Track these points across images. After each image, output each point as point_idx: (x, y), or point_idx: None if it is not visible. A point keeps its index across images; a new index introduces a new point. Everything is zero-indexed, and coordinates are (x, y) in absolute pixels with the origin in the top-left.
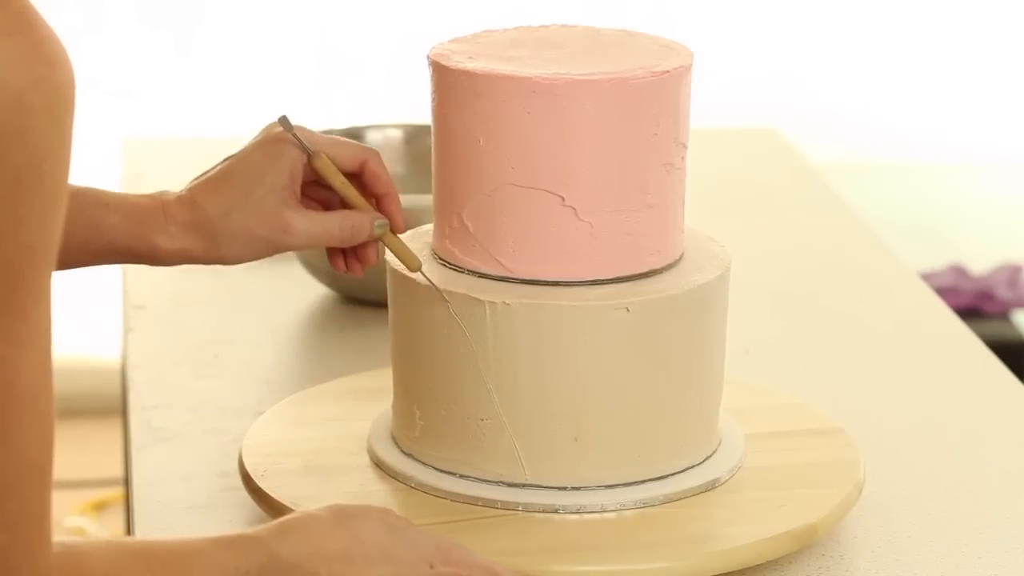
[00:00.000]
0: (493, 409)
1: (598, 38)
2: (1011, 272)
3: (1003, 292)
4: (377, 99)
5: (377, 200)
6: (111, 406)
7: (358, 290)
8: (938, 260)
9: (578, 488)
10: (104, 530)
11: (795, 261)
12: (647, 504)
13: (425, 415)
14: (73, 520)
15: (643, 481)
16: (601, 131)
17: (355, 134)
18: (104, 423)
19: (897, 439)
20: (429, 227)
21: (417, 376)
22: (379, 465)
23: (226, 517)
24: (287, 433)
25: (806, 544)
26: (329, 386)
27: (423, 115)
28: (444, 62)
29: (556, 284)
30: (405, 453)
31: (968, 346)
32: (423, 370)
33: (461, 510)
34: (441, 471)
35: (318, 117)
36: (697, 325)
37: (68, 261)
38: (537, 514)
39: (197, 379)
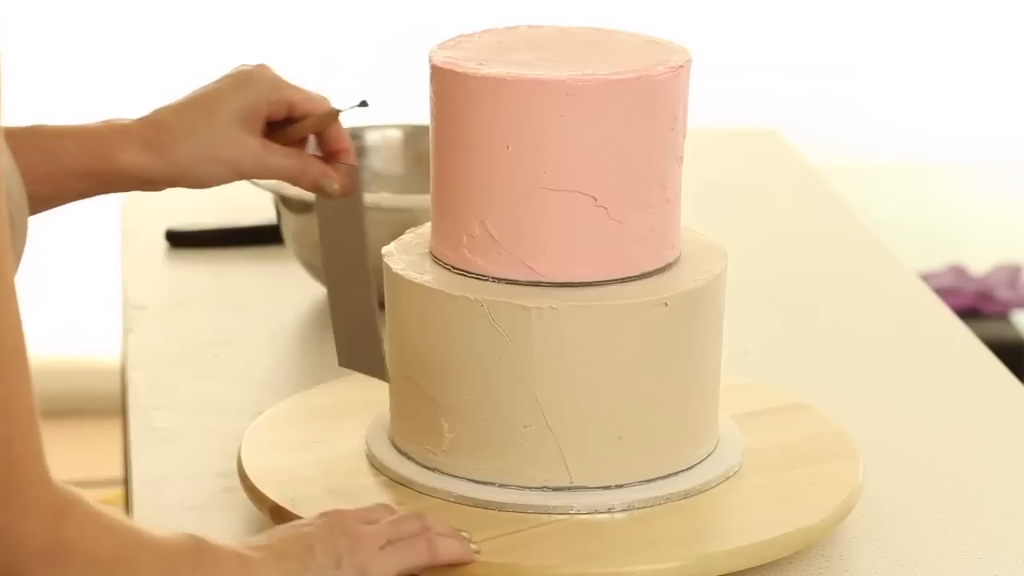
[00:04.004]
0: (538, 415)
1: (579, 37)
2: (1011, 272)
3: (1003, 292)
4: (377, 99)
5: (334, 154)
6: (111, 406)
7: None
8: (938, 260)
9: (622, 486)
10: None
11: (794, 261)
12: (689, 495)
13: (456, 428)
14: None
15: (671, 475)
16: (631, 129)
17: (355, 134)
18: (104, 423)
19: (897, 439)
20: (427, 227)
21: (447, 389)
22: (403, 483)
23: (226, 517)
24: (290, 457)
25: (806, 545)
26: (329, 387)
27: (423, 115)
28: (458, 69)
29: (588, 285)
30: (427, 467)
31: (968, 346)
32: (456, 382)
33: (513, 520)
34: (477, 482)
35: None
36: (714, 315)
37: (34, 202)
38: (593, 515)
39: (197, 379)
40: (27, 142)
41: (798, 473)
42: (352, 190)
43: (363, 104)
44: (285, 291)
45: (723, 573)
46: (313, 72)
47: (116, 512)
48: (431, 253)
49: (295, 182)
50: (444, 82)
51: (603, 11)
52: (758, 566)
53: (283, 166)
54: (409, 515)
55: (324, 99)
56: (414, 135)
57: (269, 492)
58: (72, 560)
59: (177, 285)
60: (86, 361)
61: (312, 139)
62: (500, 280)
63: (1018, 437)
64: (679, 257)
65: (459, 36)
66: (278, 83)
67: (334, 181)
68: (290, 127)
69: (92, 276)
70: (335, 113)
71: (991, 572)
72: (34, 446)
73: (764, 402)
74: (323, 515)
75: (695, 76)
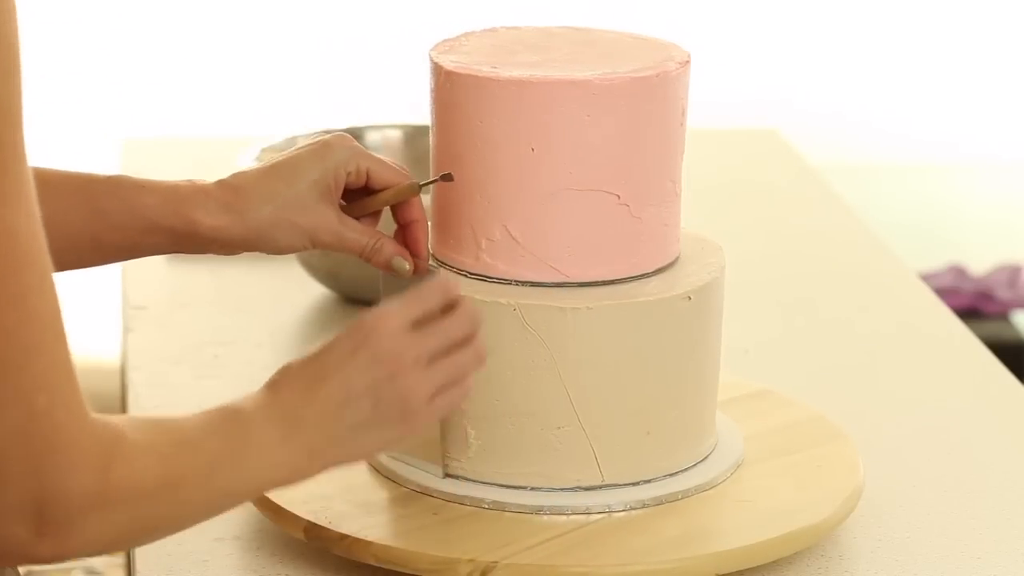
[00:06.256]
0: (571, 415)
1: (567, 37)
2: (1011, 272)
3: (1003, 292)
4: (377, 99)
5: (406, 226)
6: (111, 406)
7: (358, 290)
8: (938, 260)
9: (650, 481)
10: None
11: (795, 262)
12: (710, 487)
13: (483, 434)
14: None
15: (690, 467)
16: (649, 126)
17: (355, 134)
18: None
19: (897, 440)
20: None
21: (476, 395)
22: (428, 493)
23: (226, 518)
24: None
25: (807, 545)
26: None
27: (422, 115)
28: (477, 73)
29: (611, 283)
30: (450, 476)
31: (968, 346)
32: (486, 388)
33: (554, 523)
34: (507, 487)
35: (318, 117)
36: (720, 307)
37: (105, 249)
38: (630, 512)
39: (197, 379)
40: (109, 190)
41: (800, 457)
42: (425, 273)
43: (446, 178)
44: (285, 291)
45: (723, 573)
46: (312, 73)
47: (167, 426)
48: (434, 256)
49: (367, 259)
50: (459, 86)
51: (603, 11)
52: (758, 566)
53: (356, 240)
54: (462, 313)
55: (404, 171)
56: (414, 135)
57: (352, 532)
58: (120, 498)
59: (177, 285)
60: (86, 361)
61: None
62: (523, 283)
63: (1018, 437)
64: (679, 252)
65: (446, 40)
66: (356, 152)
67: (407, 262)
68: (368, 198)
69: (92, 276)
70: (415, 187)
71: (991, 572)
72: (75, 405)
73: (764, 402)
74: (359, 332)
75: (695, 76)
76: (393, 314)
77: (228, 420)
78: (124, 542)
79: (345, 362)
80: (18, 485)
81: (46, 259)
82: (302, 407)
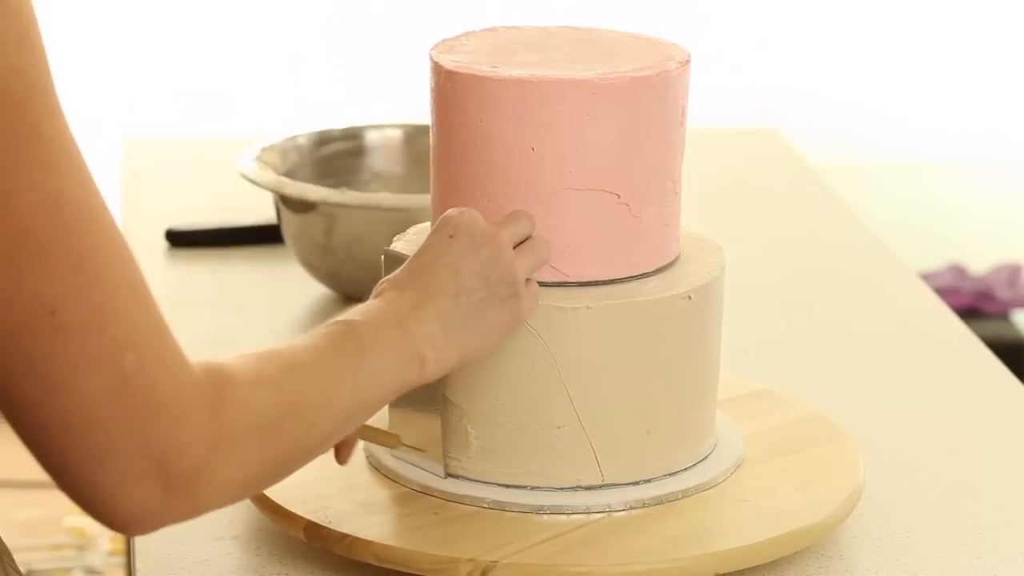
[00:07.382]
0: (571, 415)
1: (567, 37)
2: (1011, 272)
3: (1003, 292)
4: (377, 99)
5: None
6: None
7: (358, 290)
8: (938, 260)
9: (649, 480)
10: (104, 532)
11: (795, 262)
12: (710, 486)
13: (483, 433)
14: (73, 520)
15: (690, 467)
16: (649, 125)
17: (355, 134)
18: None
19: (897, 439)
20: (426, 226)
21: (476, 395)
22: (428, 492)
23: (226, 518)
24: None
25: (807, 545)
26: None
27: (422, 115)
28: (477, 73)
29: (611, 282)
30: (450, 475)
31: (968, 346)
32: (486, 388)
33: (555, 523)
34: (507, 487)
35: (318, 117)
36: (720, 307)
37: None
38: (630, 512)
39: None
40: None
41: (800, 457)
42: None
43: None
44: (285, 291)
45: (723, 572)
46: (312, 73)
47: (276, 355)
48: None
49: None
50: (459, 86)
51: (603, 11)
52: (758, 566)
53: None
54: (521, 213)
55: None
56: (414, 135)
57: (352, 531)
58: (241, 437)
59: (177, 285)
60: None
61: None
62: None
63: (1018, 437)
64: (679, 252)
65: (446, 40)
66: None
67: None
68: None
69: None
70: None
71: (991, 572)
72: (169, 358)
73: (763, 402)
74: (449, 224)
75: (695, 76)
76: (470, 209)
77: (339, 335)
78: (263, 479)
79: (446, 250)
80: (127, 450)
81: (105, 221)
82: (415, 301)
